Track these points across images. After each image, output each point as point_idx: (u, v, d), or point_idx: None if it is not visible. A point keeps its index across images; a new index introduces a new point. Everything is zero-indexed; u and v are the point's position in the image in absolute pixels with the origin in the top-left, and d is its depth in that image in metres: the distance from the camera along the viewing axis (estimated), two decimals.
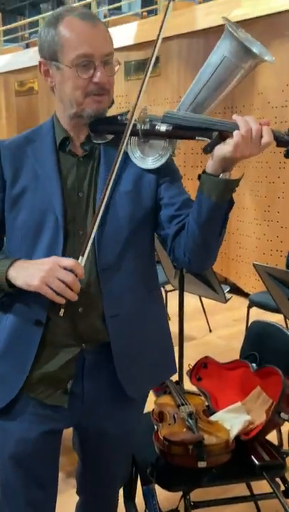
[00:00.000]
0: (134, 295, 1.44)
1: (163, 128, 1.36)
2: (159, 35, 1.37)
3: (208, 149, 1.29)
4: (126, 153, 1.38)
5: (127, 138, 1.34)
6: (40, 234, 1.38)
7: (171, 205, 1.42)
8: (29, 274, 1.29)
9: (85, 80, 1.32)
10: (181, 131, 1.36)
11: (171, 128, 1.35)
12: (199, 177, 1.32)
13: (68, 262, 1.28)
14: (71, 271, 1.28)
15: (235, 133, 1.23)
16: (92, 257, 1.37)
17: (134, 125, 1.37)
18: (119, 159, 1.33)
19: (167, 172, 1.43)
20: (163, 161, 1.39)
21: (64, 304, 1.28)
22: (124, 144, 1.35)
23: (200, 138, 1.32)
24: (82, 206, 1.40)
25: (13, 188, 1.40)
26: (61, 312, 1.30)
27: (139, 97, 1.36)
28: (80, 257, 1.31)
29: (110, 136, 1.41)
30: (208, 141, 1.29)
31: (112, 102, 1.41)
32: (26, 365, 1.42)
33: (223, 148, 1.25)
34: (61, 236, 1.37)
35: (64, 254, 1.36)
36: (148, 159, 1.40)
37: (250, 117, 1.26)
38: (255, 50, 1.35)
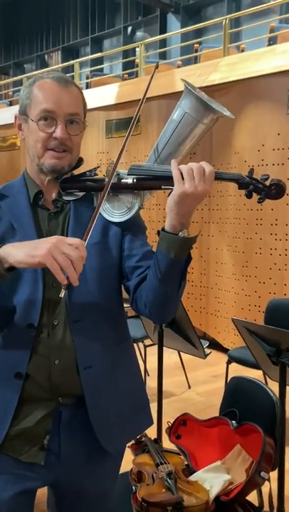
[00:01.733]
0: (106, 346, 1.45)
1: (129, 180, 1.41)
2: (141, 103, 1.44)
3: None
4: (94, 208, 1.41)
5: (105, 195, 1.37)
6: (18, 284, 1.39)
7: (133, 256, 1.45)
8: (33, 246, 1.24)
9: (45, 135, 1.38)
10: (147, 181, 1.40)
11: (138, 179, 1.40)
12: (158, 233, 1.35)
13: (73, 240, 1.24)
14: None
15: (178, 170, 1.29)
16: (64, 310, 1.39)
17: (103, 179, 1.41)
18: (96, 218, 1.34)
19: (131, 224, 1.46)
20: (131, 214, 1.43)
21: (65, 285, 1.21)
22: (103, 201, 1.37)
23: (166, 187, 1.35)
24: None
25: None
26: (62, 293, 1.22)
27: (120, 156, 1.40)
28: (82, 241, 1.27)
29: (80, 194, 1.45)
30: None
31: (81, 161, 1.46)
32: (5, 422, 1.39)
33: (176, 189, 1.29)
34: (40, 286, 1.39)
35: (43, 305, 1.38)
36: (116, 213, 1.43)
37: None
38: (213, 105, 1.40)
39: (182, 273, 1.36)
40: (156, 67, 1.51)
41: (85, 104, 1.46)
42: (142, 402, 1.59)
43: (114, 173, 1.39)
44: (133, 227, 1.47)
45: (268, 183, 1.34)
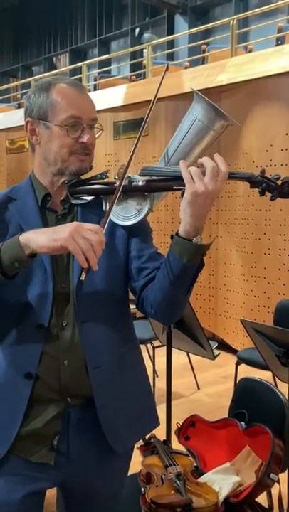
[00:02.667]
0: (113, 347, 1.46)
1: (141, 182, 1.41)
2: (150, 108, 1.47)
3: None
4: (103, 211, 1.42)
5: (116, 198, 1.37)
6: (29, 285, 1.40)
7: (140, 257, 1.46)
8: (54, 231, 1.28)
9: (72, 140, 1.40)
10: (158, 183, 1.40)
11: (149, 181, 1.40)
12: (172, 237, 1.35)
13: (92, 225, 1.27)
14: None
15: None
16: (72, 311, 1.40)
17: (113, 182, 1.41)
18: (108, 222, 1.34)
19: (138, 226, 1.46)
20: (140, 217, 1.43)
21: (86, 269, 1.24)
22: (114, 205, 1.37)
23: (177, 187, 1.35)
24: (64, 261, 1.43)
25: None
26: (82, 276, 1.26)
27: (131, 158, 1.40)
28: (100, 227, 1.29)
29: (88, 198, 1.45)
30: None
31: (91, 167, 1.48)
32: (15, 422, 1.40)
33: (187, 189, 1.28)
34: (50, 287, 1.40)
35: (52, 306, 1.39)
36: (125, 216, 1.43)
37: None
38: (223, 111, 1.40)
39: (193, 278, 1.37)
40: (167, 69, 1.50)
41: (95, 108, 1.49)
42: (149, 403, 1.60)
43: (125, 177, 1.39)
44: (140, 228, 1.47)
45: (279, 182, 1.35)
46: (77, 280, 1.38)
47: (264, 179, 1.35)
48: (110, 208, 1.35)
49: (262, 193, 1.36)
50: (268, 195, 1.37)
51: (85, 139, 1.41)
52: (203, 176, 1.27)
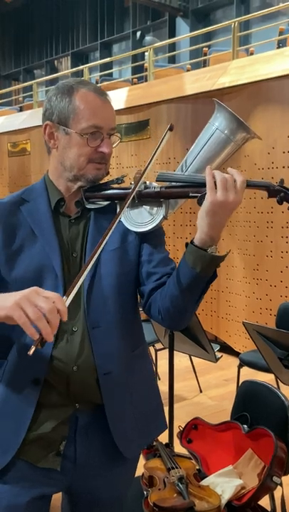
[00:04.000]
0: (123, 352, 1.45)
1: (157, 188, 1.40)
2: (152, 156, 1.44)
3: (201, 200, 1.30)
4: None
5: (129, 202, 1.36)
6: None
7: (150, 262, 1.45)
8: (3, 298, 1.19)
9: (91, 149, 1.39)
10: (174, 189, 1.39)
11: (164, 187, 1.39)
12: (187, 245, 1.34)
13: (51, 293, 1.18)
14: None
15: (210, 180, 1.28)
16: (83, 316, 1.39)
17: (129, 188, 1.41)
18: (115, 224, 1.33)
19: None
20: (154, 224, 1.42)
21: (37, 341, 1.12)
22: (127, 210, 1.37)
23: (193, 194, 1.34)
24: (77, 266, 1.42)
25: (8, 246, 1.42)
26: (31, 350, 1.11)
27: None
28: (65, 297, 1.20)
29: (104, 203, 1.44)
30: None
31: (108, 173, 1.47)
32: (23, 427, 1.39)
33: (207, 198, 1.28)
34: (61, 293, 1.37)
35: None
36: (140, 223, 1.42)
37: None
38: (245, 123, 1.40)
39: (204, 289, 1.36)
40: (171, 129, 1.46)
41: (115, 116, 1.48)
42: (157, 407, 1.60)
43: (140, 182, 1.38)
44: (152, 233, 1.46)
45: None
46: (88, 285, 1.38)
47: (282, 188, 1.35)
48: (120, 212, 1.34)
49: (280, 202, 1.36)
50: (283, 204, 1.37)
51: (104, 149, 1.40)
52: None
